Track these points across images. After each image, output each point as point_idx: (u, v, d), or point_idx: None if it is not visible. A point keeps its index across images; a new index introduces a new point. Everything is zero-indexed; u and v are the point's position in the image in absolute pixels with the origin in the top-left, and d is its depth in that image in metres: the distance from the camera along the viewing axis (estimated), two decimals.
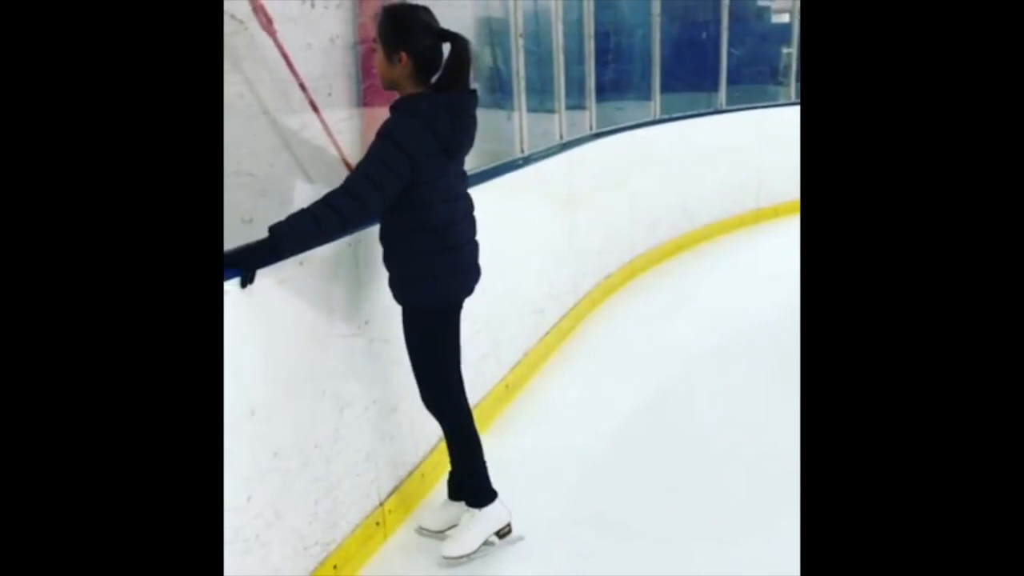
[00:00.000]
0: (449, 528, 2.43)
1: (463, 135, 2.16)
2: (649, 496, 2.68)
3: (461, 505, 2.42)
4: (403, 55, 2.06)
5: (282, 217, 1.94)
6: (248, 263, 1.80)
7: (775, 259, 5.29)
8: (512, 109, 3.77)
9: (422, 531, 2.49)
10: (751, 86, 6.63)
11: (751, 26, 6.98)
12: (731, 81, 6.05)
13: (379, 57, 2.10)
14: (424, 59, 2.09)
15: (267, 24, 2.41)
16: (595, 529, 2.51)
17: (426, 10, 2.15)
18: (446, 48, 2.12)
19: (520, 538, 2.42)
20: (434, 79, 2.14)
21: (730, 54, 6.00)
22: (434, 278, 2.18)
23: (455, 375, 2.33)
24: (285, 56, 2.43)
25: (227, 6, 2.16)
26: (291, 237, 1.88)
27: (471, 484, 2.40)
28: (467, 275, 2.28)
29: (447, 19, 3.43)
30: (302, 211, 1.93)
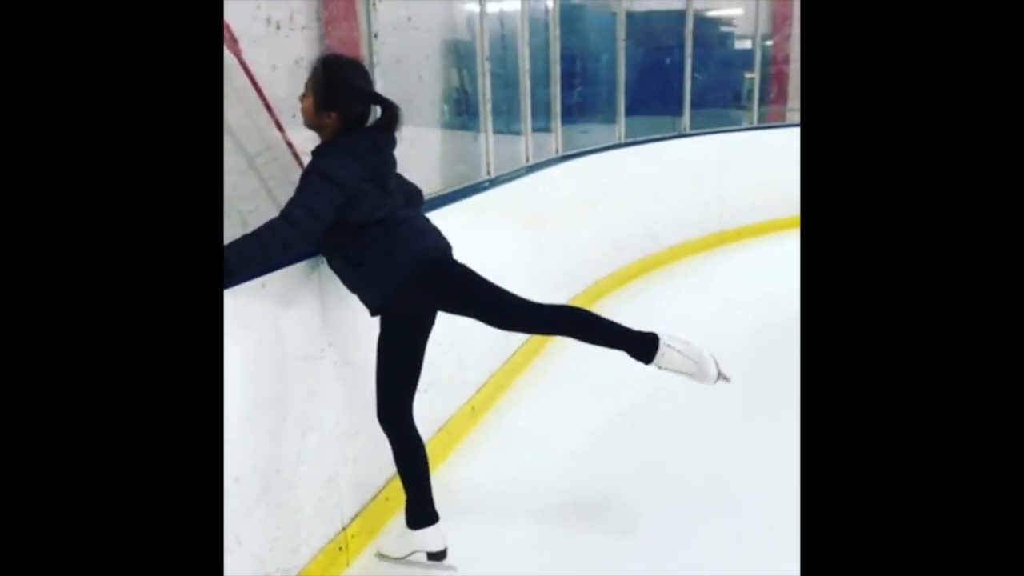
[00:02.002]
0: (411, 554, 2.41)
1: (387, 173, 2.20)
2: (618, 517, 2.68)
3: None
4: (333, 114, 2.12)
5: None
6: None
7: (740, 281, 5.37)
8: (478, 131, 3.79)
9: (382, 557, 2.46)
10: (714, 110, 6.73)
11: (714, 52, 7.11)
12: (695, 105, 6.13)
13: (308, 104, 2.15)
14: (352, 121, 2.15)
15: (232, 44, 2.40)
16: (564, 551, 2.50)
17: (362, 72, 2.22)
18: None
19: (452, 568, 2.39)
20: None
21: (694, 79, 6.09)
22: (382, 270, 2.16)
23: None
24: (251, 76, 2.42)
25: None
26: (239, 260, 1.88)
27: (407, 502, 2.40)
28: (424, 282, 2.20)
29: (413, 42, 3.46)
30: (246, 236, 1.94)
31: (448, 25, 3.83)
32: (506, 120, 4.15)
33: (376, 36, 2.73)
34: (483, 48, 3.69)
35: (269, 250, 1.94)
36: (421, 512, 2.38)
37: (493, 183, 3.74)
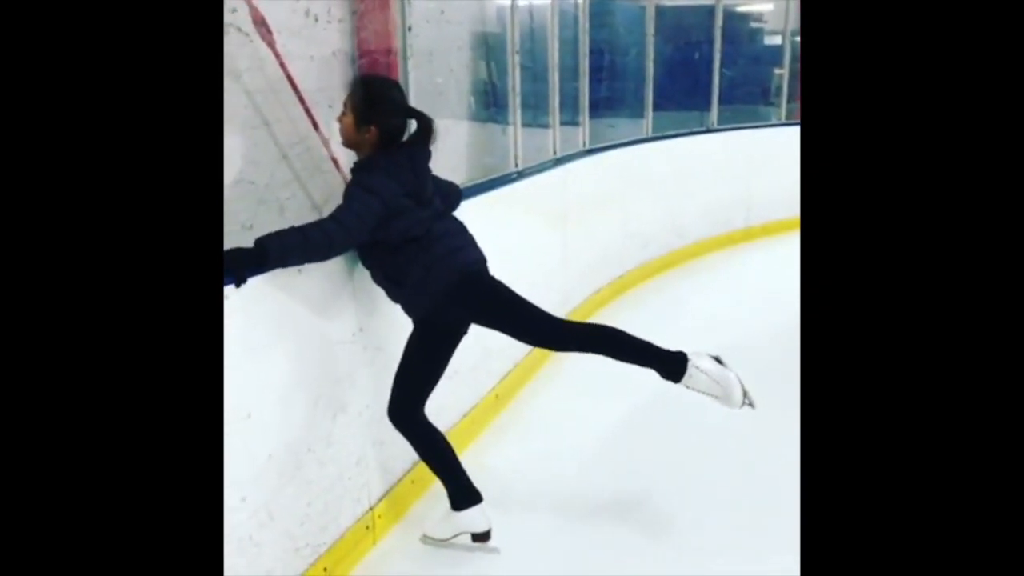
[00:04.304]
0: (456, 536, 2.45)
1: (423, 186, 2.28)
2: (638, 506, 2.71)
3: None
4: (372, 128, 2.21)
5: (281, 226, 2.00)
6: (234, 266, 1.85)
7: (765, 278, 5.35)
8: (507, 123, 3.83)
9: (427, 539, 2.50)
10: (742, 106, 6.72)
11: (743, 47, 7.08)
12: (723, 101, 6.12)
13: (347, 121, 2.24)
14: (390, 134, 2.24)
15: (268, 36, 2.46)
16: (585, 539, 2.54)
17: (398, 87, 2.37)
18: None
19: (495, 550, 2.43)
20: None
21: (722, 74, 6.08)
22: (421, 288, 2.24)
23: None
24: (285, 68, 2.48)
25: (231, 18, 2.22)
26: (279, 250, 1.93)
27: (446, 489, 2.44)
28: (458, 290, 2.27)
29: (444, 35, 3.50)
30: (292, 228, 2.00)
31: (478, 18, 3.87)
32: (534, 113, 4.18)
33: (410, 29, 2.78)
34: (513, 41, 3.73)
35: (311, 246, 2.00)
36: (462, 493, 2.42)
37: (521, 175, 3.79)
